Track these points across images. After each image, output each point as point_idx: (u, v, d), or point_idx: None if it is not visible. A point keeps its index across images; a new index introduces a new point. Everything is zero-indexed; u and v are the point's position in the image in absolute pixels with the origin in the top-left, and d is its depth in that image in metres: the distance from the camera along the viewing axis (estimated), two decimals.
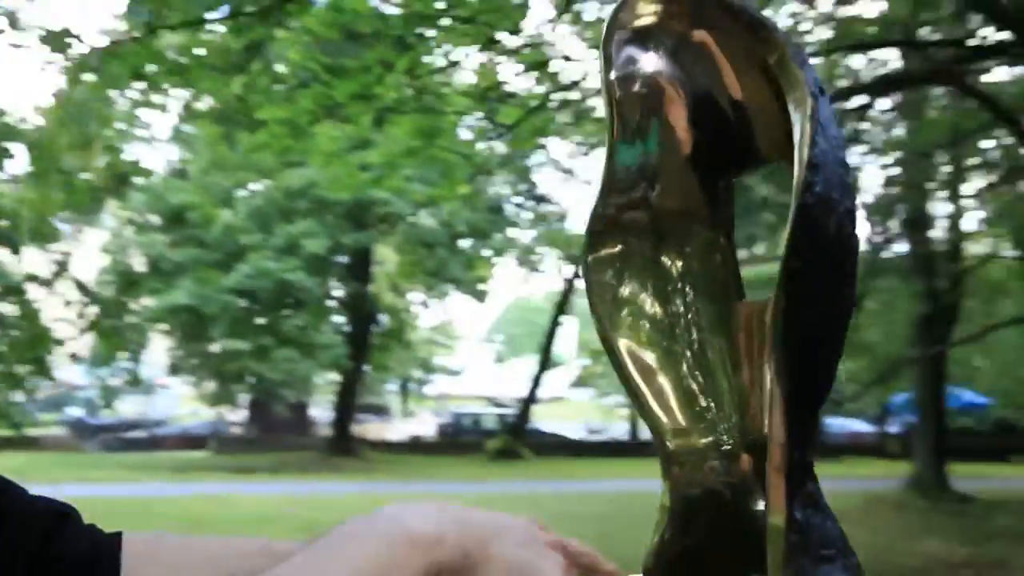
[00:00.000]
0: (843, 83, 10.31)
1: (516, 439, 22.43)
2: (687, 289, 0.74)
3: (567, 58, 6.44)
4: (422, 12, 5.37)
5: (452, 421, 28.03)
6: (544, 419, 27.70)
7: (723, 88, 0.66)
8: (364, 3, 5.24)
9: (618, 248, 0.76)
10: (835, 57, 8.44)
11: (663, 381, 0.74)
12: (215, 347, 19.08)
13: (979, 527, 10.54)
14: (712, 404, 0.72)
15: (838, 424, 23.79)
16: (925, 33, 7.53)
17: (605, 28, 0.72)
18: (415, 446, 24.90)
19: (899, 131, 12.31)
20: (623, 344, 0.75)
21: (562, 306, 23.88)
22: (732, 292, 0.72)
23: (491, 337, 46.00)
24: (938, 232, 14.84)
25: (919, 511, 11.85)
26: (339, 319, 21.60)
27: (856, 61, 10.13)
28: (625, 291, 0.76)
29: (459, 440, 25.14)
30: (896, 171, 12.62)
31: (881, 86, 7.14)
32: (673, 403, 0.74)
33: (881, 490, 13.82)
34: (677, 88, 0.70)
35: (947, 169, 12.84)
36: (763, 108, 0.64)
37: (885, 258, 15.50)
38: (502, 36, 5.77)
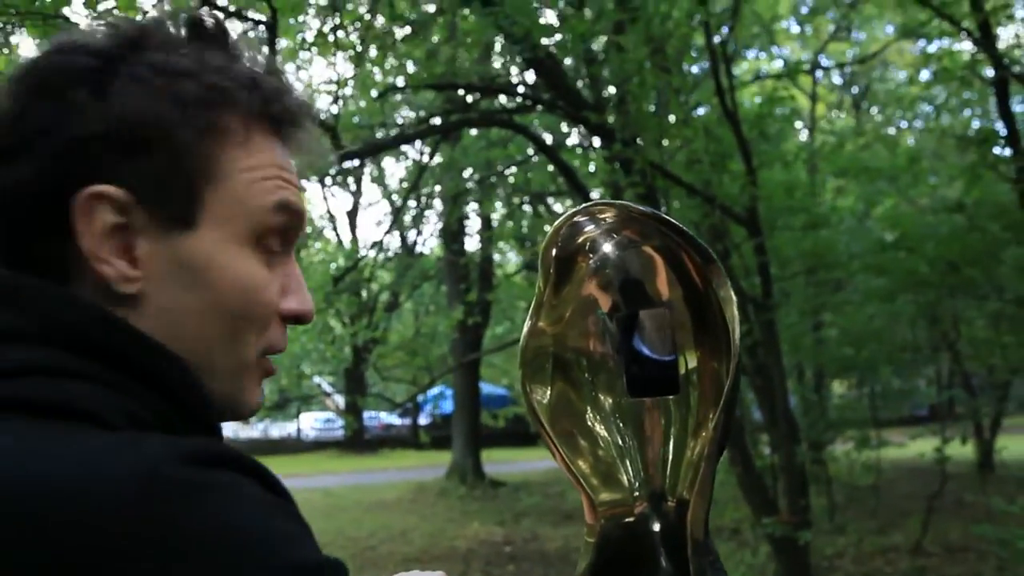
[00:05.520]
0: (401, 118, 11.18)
1: None
2: (603, 394, 1.10)
3: None
4: None
5: None
6: None
7: (654, 287, 1.02)
8: None
9: (548, 368, 1.10)
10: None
11: (590, 460, 1.09)
12: None
13: (511, 508, 12.09)
14: (626, 470, 1.08)
15: (370, 417, 24.79)
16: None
17: (564, 217, 1.04)
18: None
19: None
20: (556, 435, 1.09)
21: None
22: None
23: None
24: (472, 244, 16.60)
25: (460, 497, 13.19)
26: None
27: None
28: (555, 397, 1.09)
29: None
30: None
31: (446, 126, 8.03)
32: (597, 474, 1.08)
33: (423, 479, 15.07)
34: (613, 269, 1.05)
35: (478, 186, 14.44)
36: (677, 306, 1.01)
37: (424, 264, 16.94)
38: None
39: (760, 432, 8.26)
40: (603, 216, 1.03)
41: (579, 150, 9.14)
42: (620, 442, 1.09)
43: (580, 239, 1.03)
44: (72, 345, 0.60)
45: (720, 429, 0.97)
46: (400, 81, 8.85)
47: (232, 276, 0.68)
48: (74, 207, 0.63)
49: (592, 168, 8.92)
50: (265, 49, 0.74)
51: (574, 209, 1.04)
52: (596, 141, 7.79)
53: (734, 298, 0.96)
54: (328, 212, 21.18)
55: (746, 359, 7.33)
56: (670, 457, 1.06)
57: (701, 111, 8.78)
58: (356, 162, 13.71)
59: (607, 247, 1.03)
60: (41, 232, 0.64)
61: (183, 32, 0.70)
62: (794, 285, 8.78)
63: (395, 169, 17.11)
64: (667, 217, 1.00)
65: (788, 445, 6.64)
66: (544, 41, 6.82)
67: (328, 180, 16.37)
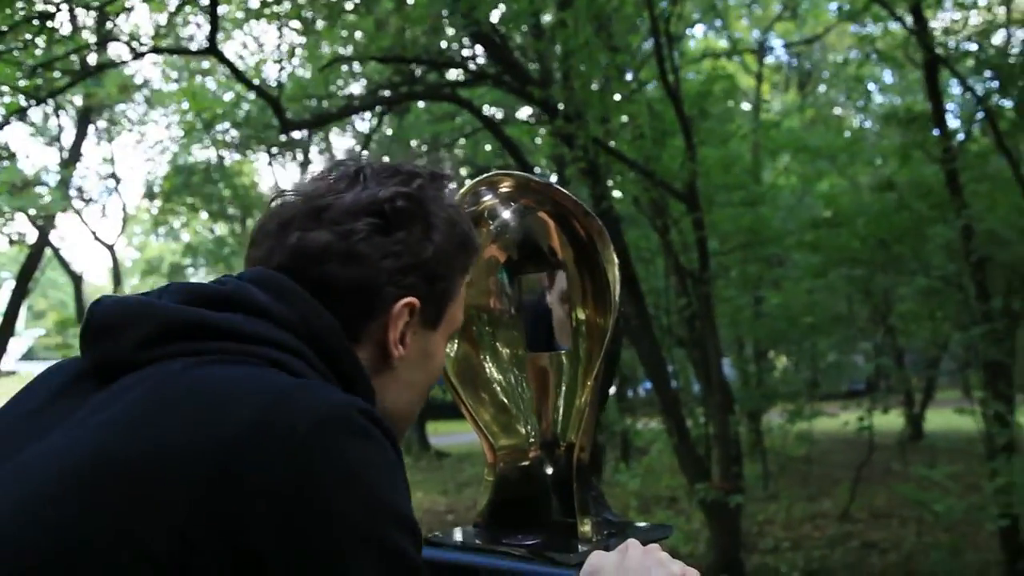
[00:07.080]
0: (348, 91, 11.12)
1: None
2: (502, 348, 1.20)
3: None
4: None
5: None
6: None
7: (549, 248, 1.13)
8: None
9: None
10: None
11: (491, 409, 1.19)
12: None
13: (454, 478, 12.24)
14: (522, 420, 1.19)
15: None
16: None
17: (468, 186, 1.14)
18: None
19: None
20: (461, 385, 1.19)
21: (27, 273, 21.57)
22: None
23: None
24: None
25: (407, 468, 13.27)
26: None
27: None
28: (460, 352, 1.20)
29: None
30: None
31: (394, 99, 8.05)
32: (497, 422, 1.19)
33: None
34: (512, 233, 1.15)
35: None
36: (569, 267, 1.12)
37: None
38: None
39: (698, 404, 8.47)
40: (501, 186, 1.13)
41: (527, 126, 9.21)
42: (518, 392, 1.20)
43: (480, 207, 1.12)
44: (311, 340, 0.87)
45: (601, 379, 1.08)
46: (348, 52, 8.82)
47: (439, 363, 1.01)
48: (394, 309, 0.92)
49: (539, 142, 9.01)
50: None
51: (477, 179, 1.13)
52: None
53: (616, 260, 1.06)
54: (276, 184, 20.95)
55: (684, 331, 7.50)
56: (561, 405, 1.17)
57: (650, 88, 8.88)
58: (303, 133, 13.61)
59: (506, 214, 1.14)
60: (355, 312, 0.91)
61: (443, 181, 0.98)
62: (732, 260, 8.98)
63: (342, 142, 17.00)
64: (559, 188, 1.10)
65: (722, 415, 6.84)
66: (492, 16, 6.87)
67: (275, 151, 16.23)
